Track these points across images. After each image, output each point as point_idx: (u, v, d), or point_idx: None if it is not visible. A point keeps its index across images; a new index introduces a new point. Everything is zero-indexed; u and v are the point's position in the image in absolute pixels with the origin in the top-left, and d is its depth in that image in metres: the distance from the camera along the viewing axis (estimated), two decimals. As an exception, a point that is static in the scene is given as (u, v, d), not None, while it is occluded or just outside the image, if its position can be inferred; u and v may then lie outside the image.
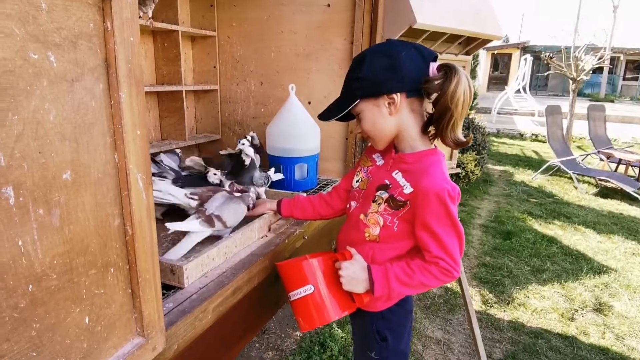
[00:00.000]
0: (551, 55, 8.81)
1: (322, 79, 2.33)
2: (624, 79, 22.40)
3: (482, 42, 2.31)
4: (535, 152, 9.12)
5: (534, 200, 5.77)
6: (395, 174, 1.18)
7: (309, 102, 2.37)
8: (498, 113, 12.93)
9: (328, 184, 2.30)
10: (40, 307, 0.60)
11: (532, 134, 10.85)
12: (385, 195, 1.17)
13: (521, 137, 10.97)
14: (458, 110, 1.06)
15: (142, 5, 2.01)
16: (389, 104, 1.12)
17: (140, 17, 2.03)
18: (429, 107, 1.15)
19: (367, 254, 1.19)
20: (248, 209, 1.47)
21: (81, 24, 0.61)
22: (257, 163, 1.99)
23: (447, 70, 1.06)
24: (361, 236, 1.21)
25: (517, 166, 7.70)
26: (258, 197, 1.64)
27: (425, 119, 1.17)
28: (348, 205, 1.32)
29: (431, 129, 1.16)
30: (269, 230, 1.52)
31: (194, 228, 1.27)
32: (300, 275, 1.16)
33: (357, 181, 1.31)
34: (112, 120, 0.66)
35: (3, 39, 0.52)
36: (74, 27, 0.60)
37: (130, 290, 0.76)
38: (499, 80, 23.23)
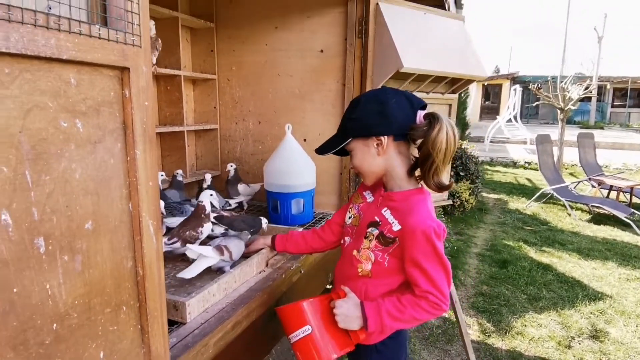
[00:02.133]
0: (539, 85, 9.08)
1: (316, 118, 2.45)
2: (612, 106, 22.97)
3: (467, 82, 2.45)
4: (529, 179, 9.24)
5: (529, 228, 5.83)
6: (384, 211, 1.25)
7: (305, 140, 2.49)
8: (491, 142, 13.16)
9: (324, 217, 2.38)
10: (62, 344, 0.67)
11: (525, 162, 11.01)
12: (376, 232, 1.24)
13: (514, 165, 11.11)
14: (439, 156, 1.12)
15: (146, 53, 2.14)
16: (377, 144, 1.21)
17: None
18: (415, 151, 1.24)
19: (361, 289, 1.25)
20: (245, 246, 1.56)
21: (104, 93, 0.71)
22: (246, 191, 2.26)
23: (431, 119, 1.15)
24: (354, 271, 1.27)
25: (511, 194, 7.78)
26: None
27: (412, 162, 1.26)
28: (342, 241, 1.39)
29: (417, 171, 1.25)
30: (267, 265, 1.59)
31: (208, 253, 1.43)
32: (297, 317, 1.21)
33: (349, 217, 1.38)
34: (128, 174, 0.75)
35: (39, 112, 0.62)
36: (97, 97, 0.70)
37: (139, 327, 0.83)
38: (490, 109, 23.77)
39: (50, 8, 0.61)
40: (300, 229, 1.77)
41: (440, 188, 1.19)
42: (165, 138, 2.50)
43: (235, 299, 1.32)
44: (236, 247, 1.50)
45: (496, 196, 7.67)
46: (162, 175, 2.19)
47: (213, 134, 2.75)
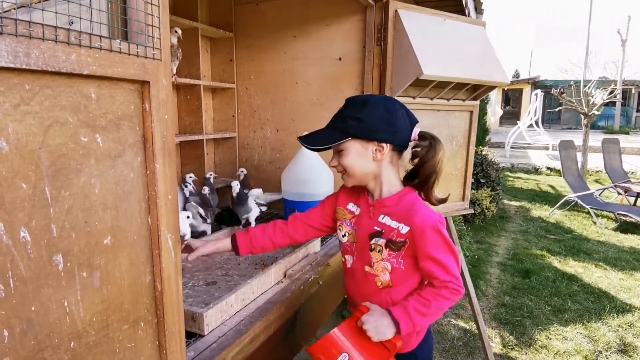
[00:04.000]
0: (562, 90, 8.88)
1: (334, 126, 2.43)
2: (637, 111, 22.33)
3: (488, 88, 2.40)
4: (552, 186, 9.02)
5: (552, 236, 5.67)
6: (382, 218, 1.23)
7: (323, 148, 2.47)
8: (511, 147, 12.91)
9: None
10: (79, 362, 0.66)
11: (547, 168, 10.76)
12: (382, 242, 1.22)
13: (536, 171, 10.87)
14: (440, 175, 1.22)
15: (167, 63, 2.17)
16: (376, 150, 1.20)
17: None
18: (408, 165, 1.27)
19: (386, 300, 1.24)
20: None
21: (124, 107, 0.70)
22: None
23: (432, 141, 1.21)
24: (373, 286, 1.25)
25: (534, 201, 7.60)
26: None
27: (406, 173, 1.29)
28: (343, 259, 1.36)
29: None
30: (285, 276, 1.57)
31: None
32: (332, 349, 1.18)
33: (344, 236, 1.34)
34: (147, 188, 0.75)
35: (59, 127, 0.61)
36: (117, 111, 0.69)
37: (157, 343, 0.81)
38: (511, 115, 23.37)
39: (72, 23, 0.61)
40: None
41: (439, 202, 1.26)
42: (184, 146, 2.52)
43: (253, 311, 1.30)
44: None
45: (518, 203, 7.50)
46: (191, 177, 2.20)
47: (231, 142, 2.76)
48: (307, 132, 1.29)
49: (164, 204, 0.77)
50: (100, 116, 0.66)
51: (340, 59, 2.34)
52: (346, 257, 1.35)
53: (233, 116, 2.72)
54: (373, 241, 1.24)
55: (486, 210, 5.97)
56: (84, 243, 0.65)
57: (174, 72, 2.24)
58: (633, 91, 20.74)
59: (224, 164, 2.82)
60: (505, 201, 7.44)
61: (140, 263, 0.75)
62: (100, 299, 0.69)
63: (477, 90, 2.43)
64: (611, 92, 7.89)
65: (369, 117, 1.19)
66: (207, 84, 2.50)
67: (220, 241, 1.37)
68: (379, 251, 1.23)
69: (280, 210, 2.60)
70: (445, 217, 1.42)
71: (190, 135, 2.39)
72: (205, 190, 2.16)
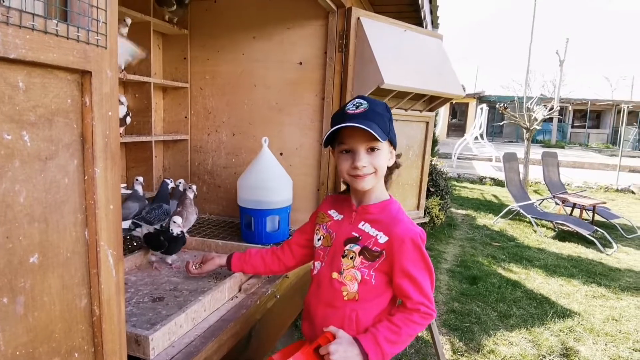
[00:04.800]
0: (505, 105, 9.37)
1: (294, 131, 2.37)
2: (572, 127, 24.22)
3: (445, 100, 2.44)
4: (495, 196, 9.45)
5: (497, 244, 5.91)
6: (362, 225, 1.19)
7: (281, 154, 2.39)
8: (458, 158, 13.45)
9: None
10: (-7, 408, 0.54)
11: (491, 179, 11.29)
12: (357, 248, 1.17)
13: (481, 181, 11.37)
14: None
15: (114, 57, 2.00)
16: (391, 152, 1.21)
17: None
18: None
19: (350, 317, 1.16)
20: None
21: (59, 100, 0.59)
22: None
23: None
24: (338, 296, 1.17)
25: (479, 210, 7.92)
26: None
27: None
28: (312, 266, 1.29)
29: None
30: (240, 290, 1.47)
31: None
32: None
33: (318, 239, 1.29)
34: (85, 197, 0.64)
35: (-25, 120, 0.50)
36: (51, 104, 0.58)
37: (94, 375, 0.70)
38: (457, 127, 24.45)
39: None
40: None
41: None
42: (130, 148, 2.34)
43: (205, 330, 1.19)
44: None
45: (464, 212, 7.78)
46: (123, 188, 2.01)
47: (183, 145, 2.61)
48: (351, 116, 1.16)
49: (105, 215, 0.66)
50: (28, 110, 0.55)
51: (301, 63, 2.28)
52: (315, 263, 1.28)
53: (185, 117, 2.57)
54: (347, 247, 1.18)
55: (435, 218, 6.12)
56: (4, 263, 0.53)
57: (123, 67, 2.07)
58: (569, 108, 22.41)
59: (174, 168, 2.66)
60: (453, 209, 7.69)
61: (74, 284, 0.64)
62: (25, 328, 0.57)
63: (434, 102, 2.47)
64: (551, 109, 8.44)
65: (392, 121, 1.21)
66: (158, 82, 2.35)
67: (220, 257, 1.52)
68: (351, 258, 1.17)
69: (236, 217, 2.48)
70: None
71: (137, 136, 2.23)
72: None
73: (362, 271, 1.15)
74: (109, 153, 0.66)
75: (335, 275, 1.19)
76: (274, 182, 2.05)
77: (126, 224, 1.93)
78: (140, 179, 2.01)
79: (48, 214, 0.59)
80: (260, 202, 2.04)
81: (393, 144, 1.21)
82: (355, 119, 1.11)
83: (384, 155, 1.17)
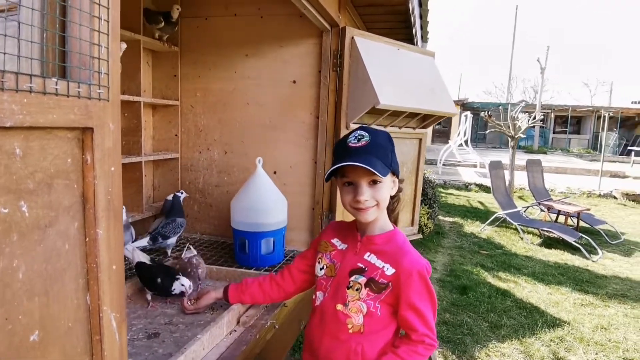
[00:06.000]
0: (490, 113, 9.49)
1: (288, 150, 2.33)
2: (554, 133, 24.73)
3: (438, 117, 2.45)
4: (481, 202, 9.54)
5: (485, 252, 5.95)
6: (368, 256, 1.17)
7: (275, 172, 2.35)
8: (443, 165, 13.57)
9: (295, 256, 2.23)
10: None
11: (476, 185, 11.40)
12: (363, 280, 1.15)
13: (466, 187, 11.46)
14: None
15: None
16: (393, 182, 1.20)
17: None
18: None
19: (356, 350, 1.13)
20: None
21: (58, 161, 0.55)
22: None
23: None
24: (343, 329, 1.15)
25: (466, 217, 7.96)
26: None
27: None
28: (314, 297, 1.27)
29: None
30: (238, 323, 1.42)
31: None
32: None
33: (321, 269, 1.27)
34: (86, 260, 0.59)
35: (-32, 194, 0.46)
36: (50, 167, 0.54)
37: None
38: (441, 134, 24.74)
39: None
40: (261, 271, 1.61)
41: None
42: (119, 168, 2.27)
43: (204, 372, 1.15)
44: None
45: (451, 219, 7.82)
46: (123, 208, 1.93)
47: (173, 164, 2.55)
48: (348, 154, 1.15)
49: (107, 278, 0.62)
50: (26, 177, 0.51)
51: (294, 82, 2.25)
52: (317, 293, 1.25)
53: (176, 135, 2.51)
54: (352, 278, 1.17)
55: (424, 227, 6.13)
56: (4, 346, 0.49)
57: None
58: (552, 115, 22.91)
59: (164, 186, 2.59)
60: (440, 217, 7.72)
61: (76, 355, 0.59)
62: (21, 413, 0.52)
63: (427, 120, 2.47)
64: (534, 119, 8.58)
65: (395, 151, 1.19)
66: (148, 100, 2.29)
67: (216, 290, 1.51)
68: (357, 289, 1.15)
69: (229, 238, 2.43)
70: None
71: (126, 156, 2.16)
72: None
73: (368, 303, 1.14)
74: (112, 212, 0.62)
75: (339, 307, 1.17)
76: (268, 203, 2.01)
77: (144, 242, 1.96)
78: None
79: (49, 285, 0.54)
80: (255, 225, 1.99)
81: (396, 173, 1.20)
82: (357, 154, 1.11)
83: (386, 187, 1.16)
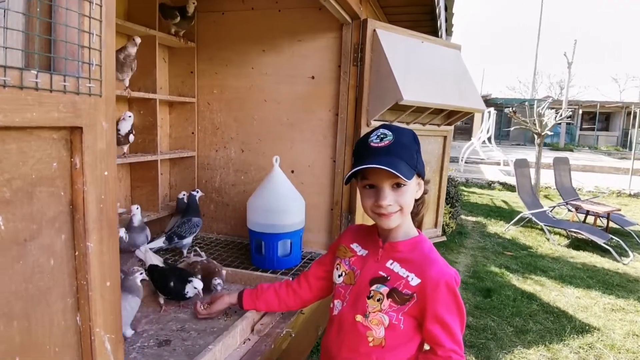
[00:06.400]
0: (514, 109, 9.22)
1: (306, 148, 2.26)
2: (580, 129, 23.93)
3: (464, 114, 2.32)
4: (505, 201, 9.28)
5: (509, 253, 5.76)
6: (391, 264, 1.09)
7: (292, 171, 2.28)
8: (465, 162, 13.29)
9: (313, 258, 2.16)
10: None
11: (500, 183, 11.12)
12: (385, 290, 1.06)
13: (489, 186, 11.19)
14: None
15: (120, 72, 1.91)
16: (418, 184, 1.10)
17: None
18: None
19: None
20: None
21: (41, 166, 0.48)
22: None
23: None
24: (363, 342, 1.07)
25: (489, 217, 7.75)
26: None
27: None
28: (331, 305, 1.19)
29: None
30: (252, 331, 1.35)
31: None
32: None
33: (339, 275, 1.19)
34: (76, 277, 0.53)
35: None
36: (30, 173, 0.47)
37: None
38: (463, 130, 24.22)
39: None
40: (276, 276, 1.53)
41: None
42: (135, 167, 2.24)
43: (215, 384, 1.08)
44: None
45: (474, 219, 7.62)
46: (137, 208, 1.88)
47: (190, 162, 2.50)
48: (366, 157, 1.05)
49: (100, 296, 0.55)
50: (1, 185, 0.44)
51: (313, 77, 2.16)
52: (335, 302, 1.17)
53: (192, 133, 2.47)
54: (374, 287, 1.08)
55: (446, 227, 5.98)
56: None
57: (127, 84, 1.97)
58: (579, 111, 22.19)
59: (181, 185, 2.55)
60: (463, 216, 7.54)
61: (63, 384, 0.53)
62: None
63: (453, 116, 2.35)
64: (562, 116, 8.28)
65: (420, 151, 1.09)
66: (164, 97, 2.24)
67: (230, 295, 1.44)
68: (378, 300, 1.07)
69: (245, 238, 2.37)
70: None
71: (142, 155, 2.12)
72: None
73: (390, 315, 1.05)
74: (105, 222, 0.55)
75: (359, 318, 1.09)
76: (285, 204, 1.94)
77: (160, 242, 1.92)
78: (135, 209, 1.85)
79: (30, 307, 0.47)
80: (271, 226, 1.92)
81: (421, 175, 1.10)
82: (379, 154, 1.02)
83: (411, 190, 1.06)
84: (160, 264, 1.54)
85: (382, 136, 1.05)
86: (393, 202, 1.04)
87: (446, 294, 1.02)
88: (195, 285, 1.45)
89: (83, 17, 0.50)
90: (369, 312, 1.07)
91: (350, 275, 1.15)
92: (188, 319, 1.45)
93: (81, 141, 0.50)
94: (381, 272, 1.09)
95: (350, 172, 1.05)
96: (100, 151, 0.53)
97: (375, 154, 1.03)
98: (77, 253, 0.53)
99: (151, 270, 1.49)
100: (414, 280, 1.04)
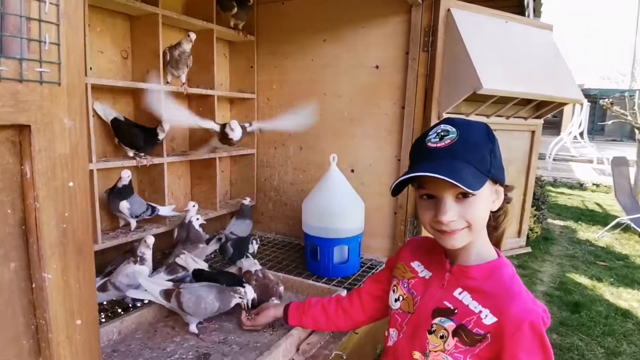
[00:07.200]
0: (611, 101, 8.22)
1: (367, 146, 2.08)
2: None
3: (557, 105, 1.98)
4: (598, 204, 8.34)
5: (603, 263, 5.16)
6: (459, 294, 0.88)
7: (352, 171, 2.12)
8: (554, 160, 12.18)
9: (373, 267, 1.98)
10: None
11: (593, 184, 10.05)
12: (451, 325, 0.87)
13: (581, 186, 10.16)
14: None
15: (175, 69, 1.87)
16: (496, 192, 0.88)
17: (168, 82, 1.89)
18: None
19: None
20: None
21: (-24, 176, 0.37)
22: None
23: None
24: None
25: (580, 221, 7.01)
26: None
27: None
28: (387, 333, 1.01)
29: None
30: (297, 351, 1.21)
31: (152, 292, 1.31)
32: None
33: (396, 300, 1.00)
34: (34, 314, 0.41)
35: None
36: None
37: None
38: (551, 124, 22.17)
39: None
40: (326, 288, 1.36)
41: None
42: (195, 164, 2.22)
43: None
44: (193, 302, 1.26)
45: (562, 223, 6.93)
46: (194, 206, 1.83)
47: (249, 159, 2.45)
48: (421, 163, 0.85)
49: (67, 338, 0.42)
50: None
51: (377, 67, 1.97)
52: (390, 330, 0.99)
53: (252, 130, 2.41)
54: (437, 320, 0.89)
55: (530, 232, 5.47)
56: None
57: (183, 80, 1.94)
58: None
59: (241, 183, 2.51)
60: (549, 220, 6.88)
61: None
62: None
63: (543, 108, 2.02)
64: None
65: (499, 152, 0.86)
66: (223, 94, 2.20)
67: (276, 307, 1.32)
68: (441, 337, 0.87)
69: (301, 240, 2.26)
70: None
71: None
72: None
73: (456, 357, 0.85)
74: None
75: (417, 355, 0.91)
76: (342, 207, 1.78)
77: (215, 246, 1.85)
78: (194, 214, 1.78)
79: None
80: (327, 230, 1.77)
81: (498, 181, 0.86)
82: (438, 157, 0.81)
83: (483, 201, 0.84)
84: (206, 269, 1.46)
85: (442, 134, 0.83)
86: (457, 217, 0.82)
87: (530, 337, 0.81)
88: (242, 296, 1.34)
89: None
90: (430, 351, 0.89)
91: (409, 301, 0.96)
92: (232, 329, 1.35)
93: (30, 144, 0.38)
94: (447, 303, 0.89)
95: (397, 181, 0.84)
96: (60, 156, 0.41)
97: (433, 157, 0.82)
98: (33, 285, 0.41)
99: (195, 274, 1.42)
100: (489, 319, 0.83)
